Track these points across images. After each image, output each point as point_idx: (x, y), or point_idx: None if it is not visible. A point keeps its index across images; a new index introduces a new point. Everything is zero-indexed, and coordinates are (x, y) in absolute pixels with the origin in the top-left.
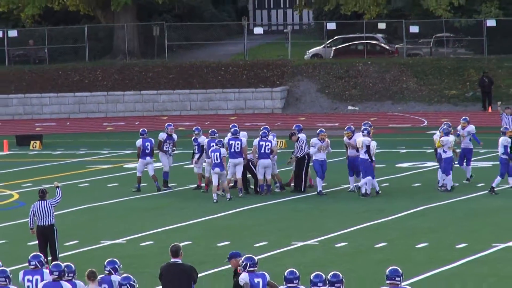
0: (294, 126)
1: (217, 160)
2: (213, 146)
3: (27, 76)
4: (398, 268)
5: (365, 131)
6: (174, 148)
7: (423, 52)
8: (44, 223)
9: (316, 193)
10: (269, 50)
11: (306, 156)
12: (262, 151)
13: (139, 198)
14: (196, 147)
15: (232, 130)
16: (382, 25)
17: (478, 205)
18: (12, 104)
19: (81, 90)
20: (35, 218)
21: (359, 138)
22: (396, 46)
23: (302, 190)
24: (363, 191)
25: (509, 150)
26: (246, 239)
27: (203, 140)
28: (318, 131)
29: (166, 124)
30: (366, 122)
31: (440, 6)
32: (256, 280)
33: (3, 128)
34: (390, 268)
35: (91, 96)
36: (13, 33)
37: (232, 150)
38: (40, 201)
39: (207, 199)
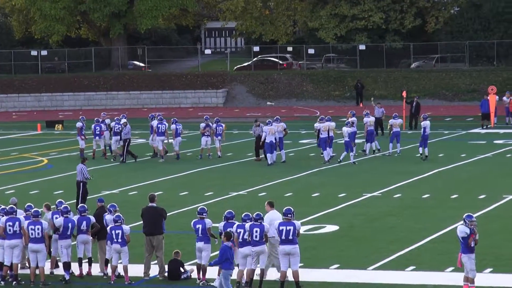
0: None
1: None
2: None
3: (53, 81)
4: (291, 208)
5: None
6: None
7: (317, 66)
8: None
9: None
10: (215, 64)
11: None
12: (179, 132)
13: (129, 164)
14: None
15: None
16: (290, 48)
17: (353, 168)
18: (43, 100)
19: (90, 91)
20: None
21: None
22: (299, 62)
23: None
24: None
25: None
26: (198, 190)
27: (109, 122)
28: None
29: (102, 113)
30: (277, 117)
31: (328, 36)
32: (229, 229)
33: (37, 116)
34: (286, 208)
35: (96, 94)
36: (44, 52)
37: (159, 131)
38: (82, 164)
39: (173, 163)
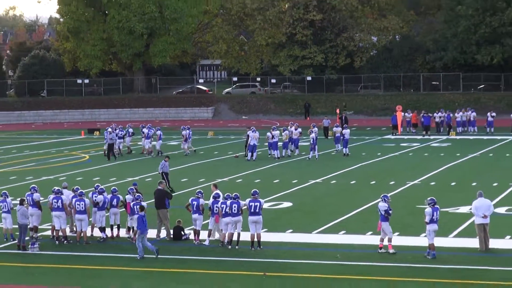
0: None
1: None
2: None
3: (93, 101)
4: (257, 190)
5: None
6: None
7: (277, 91)
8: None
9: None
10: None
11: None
12: (161, 137)
13: (144, 160)
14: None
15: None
16: (258, 79)
17: (303, 163)
18: (86, 114)
19: (118, 108)
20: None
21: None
22: (265, 88)
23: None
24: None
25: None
26: (194, 177)
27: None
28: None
29: (113, 124)
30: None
31: (285, 70)
32: (215, 205)
33: (81, 125)
34: (253, 190)
35: (123, 110)
36: (86, 80)
37: (148, 136)
38: (164, 161)
39: (174, 159)
